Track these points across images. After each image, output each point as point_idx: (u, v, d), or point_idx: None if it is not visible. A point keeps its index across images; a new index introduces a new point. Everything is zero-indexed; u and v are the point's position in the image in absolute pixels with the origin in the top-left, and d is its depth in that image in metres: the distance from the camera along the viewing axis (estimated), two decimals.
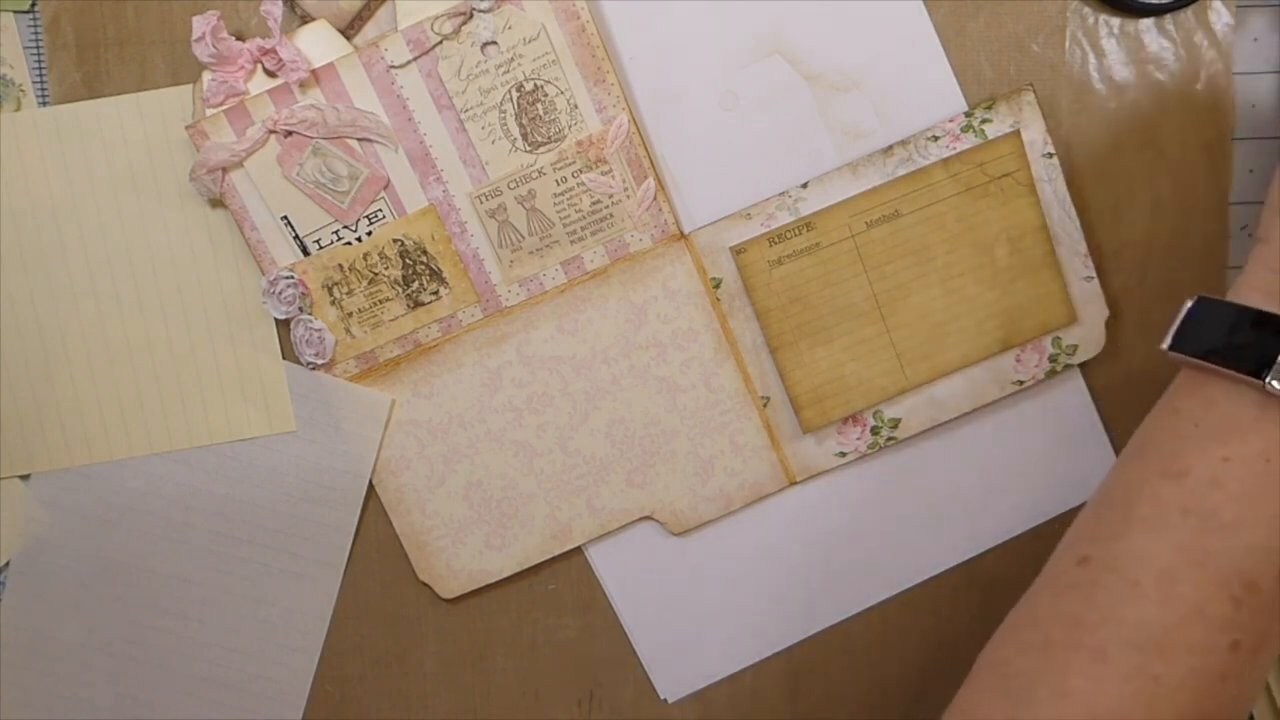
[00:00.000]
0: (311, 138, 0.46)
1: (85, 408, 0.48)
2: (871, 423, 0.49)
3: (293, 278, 0.47)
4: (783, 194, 0.48)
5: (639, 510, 0.50)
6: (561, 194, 0.47)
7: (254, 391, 0.49)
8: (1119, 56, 0.48)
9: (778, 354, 0.48)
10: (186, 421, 0.49)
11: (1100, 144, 0.49)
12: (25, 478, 0.49)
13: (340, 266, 0.47)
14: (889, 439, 0.50)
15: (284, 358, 0.49)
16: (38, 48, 0.47)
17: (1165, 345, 0.38)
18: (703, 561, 0.51)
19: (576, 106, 0.46)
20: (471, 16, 0.45)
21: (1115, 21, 0.48)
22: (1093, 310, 0.49)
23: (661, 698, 0.52)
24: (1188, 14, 0.48)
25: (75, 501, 0.49)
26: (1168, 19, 0.48)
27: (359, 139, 0.46)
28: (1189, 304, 0.38)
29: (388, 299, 0.48)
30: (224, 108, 0.45)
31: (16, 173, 0.47)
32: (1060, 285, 0.48)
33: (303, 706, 0.51)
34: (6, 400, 0.48)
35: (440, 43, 0.45)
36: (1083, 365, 0.50)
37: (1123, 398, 0.50)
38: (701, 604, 0.51)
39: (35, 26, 0.47)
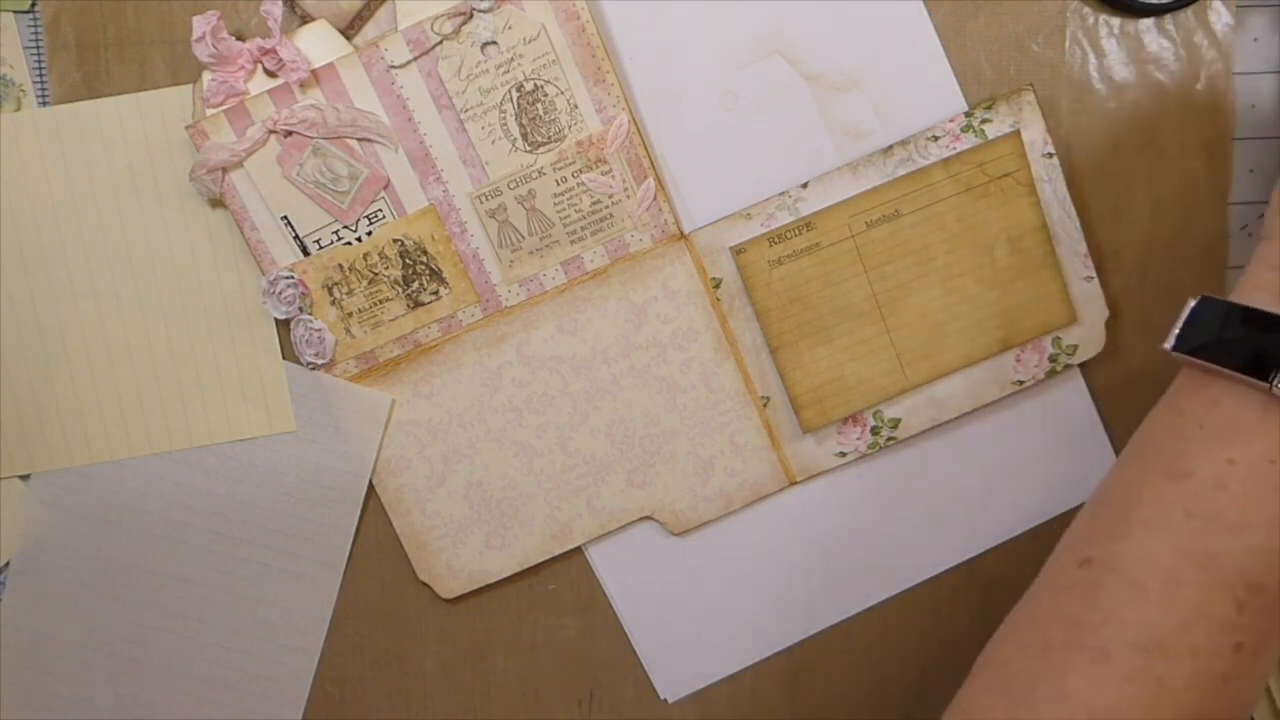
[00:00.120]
0: (311, 138, 0.46)
1: (85, 408, 0.48)
2: (871, 423, 0.49)
3: (293, 278, 0.47)
4: (783, 194, 0.48)
5: (639, 510, 0.50)
6: (561, 194, 0.47)
7: (254, 391, 0.49)
8: (1119, 56, 0.48)
9: (778, 354, 0.48)
10: (186, 421, 0.49)
11: (1100, 144, 0.49)
12: (25, 478, 0.49)
13: (340, 266, 0.47)
14: (889, 439, 0.50)
15: (284, 358, 0.49)
16: (38, 48, 0.47)
17: (1168, 345, 0.38)
18: (703, 561, 0.51)
19: (576, 106, 0.46)
20: (471, 16, 0.45)
21: (1115, 21, 0.48)
22: (1093, 310, 0.49)
23: (661, 698, 0.52)
24: (1188, 14, 0.48)
25: (75, 501, 0.49)
26: (1168, 19, 0.48)
27: (359, 139, 0.46)
28: (1192, 303, 0.38)
29: (388, 299, 0.48)
30: (224, 108, 0.45)
31: (16, 173, 0.47)
32: (1060, 285, 0.48)
33: (303, 706, 0.51)
34: (6, 400, 0.48)
35: (440, 43, 0.45)
36: (1083, 365, 0.50)
37: (1123, 398, 0.50)
38: (701, 604, 0.51)
39: (35, 26, 0.47)
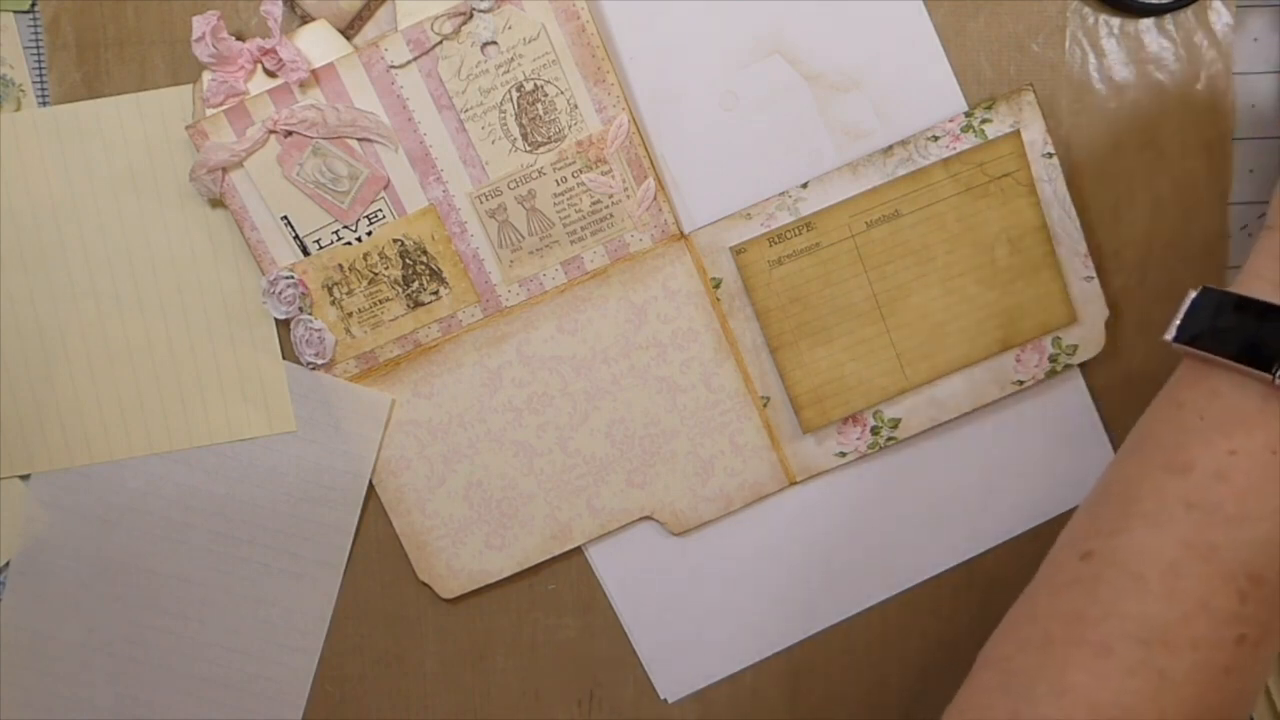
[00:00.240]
0: (311, 138, 0.46)
1: (85, 408, 0.48)
2: (871, 423, 0.49)
3: (293, 278, 0.47)
4: (783, 194, 0.48)
5: (639, 510, 0.50)
6: (561, 194, 0.47)
7: (254, 391, 0.49)
8: (1119, 56, 0.48)
9: (778, 354, 0.48)
10: (186, 421, 0.49)
11: (1100, 144, 0.49)
12: (25, 478, 0.49)
13: (340, 266, 0.47)
14: (889, 439, 0.50)
15: (284, 358, 0.49)
16: (38, 48, 0.47)
17: (1169, 336, 0.37)
18: (703, 561, 0.51)
19: (576, 106, 0.46)
20: (471, 16, 0.45)
21: (1115, 21, 0.48)
22: (1093, 310, 0.49)
23: (661, 698, 0.52)
24: (1188, 14, 0.48)
25: (75, 501, 0.49)
26: (1168, 19, 0.48)
27: (359, 139, 0.46)
28: (1193, 294, 0.37)
29: (388, 299, 0.48)
30: (224, 108, 0.45)
31: (16, 173, 0.47)
32: (1060, 285, 0.48)
33: (303, 706, 0.51)
34: (6, 400, 0.48)
35: (440, 43, 0.45)
36: (1083, 365, 0.50)
37: (1123, 398, 0.50)
38: (701, 604, 0.51)
39: (35, 26, 0.47)
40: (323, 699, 0.51)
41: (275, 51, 0.45)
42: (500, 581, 0.50)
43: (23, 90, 0.47)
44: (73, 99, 0.47)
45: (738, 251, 0.48)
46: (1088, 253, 0.48)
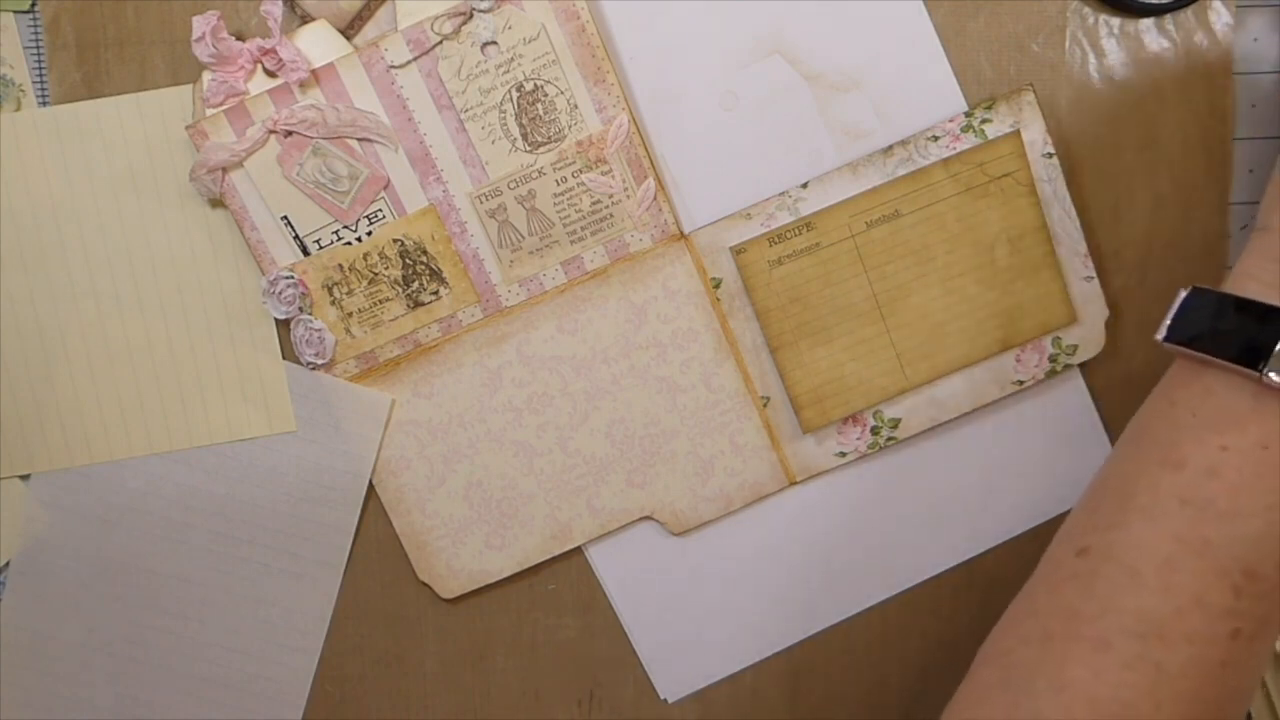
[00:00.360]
0: (311, 138, 0.46)
1: (85, 408, 0.48)
2: (871, 423, 0.49)
3: (293, 278, 0.47)
4: (783, 194, 0.48)
5: (639, 510, 0.50)
6: (561, 194, 0.47)
7: (254, 391, 0.49)
8: (1119, 56, 0.48)
9: (778, 354, 0.48)
10: (186, 421, 0.49)
11: (1100, 144, 0.49)
12: (25, 478, 0.49)
13: (340, 266, 0.47)
14: (889, 439, 0.50)
15: (284, 358, 0.49)
16: (38, 48, 0.47)
17: (1159, 336, 0.38)
18: (703, 561, 0.51)
19: (576, 106, 0.46)
20: (471, 16, 0.45)
21: (1115, 21, 0.48)
22: (1093, 310, 0.49)
23: (661, 698, 0.52)
24: (1188, 14, 0.48)
25: (75, 501, 0.49)
26: (1168, 19, 0.48)
27: (359, 139, 0.46)
28: (1183, 294, 0.38)
29: (388, 299, 0.48)
30: (224, 108, 0.45)
31: (16, 173, 0.47)
32: (1060, 285, 0.48)
33: (303, 706, 0.51)
34: (6, 400, 0.48)
35: (440, 43, 0.45)
36: (1083, 365, 0.50)
37: (1123, 398, 0.50)
38: (701, 604, 0.51)
39: (35, 26, 0.47)
40: (323, 699, 0.51)
41: (275, 51, 0.45)
42: (500, 581, 0.50)
43: (23, 90, 0.47)
44: (73, 99, 0.47)
45: (738, 251, 0.48)
46: (1088, 253, 0.48)
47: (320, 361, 0.48)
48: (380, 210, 0.47)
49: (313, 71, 0.45)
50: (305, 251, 0.47)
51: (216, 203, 0.47)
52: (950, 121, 0.47)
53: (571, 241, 0.48)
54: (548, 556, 0.50)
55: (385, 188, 0.47)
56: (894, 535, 0.51)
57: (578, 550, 0.51)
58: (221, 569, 0.50)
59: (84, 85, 0.47)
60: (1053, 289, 0.48)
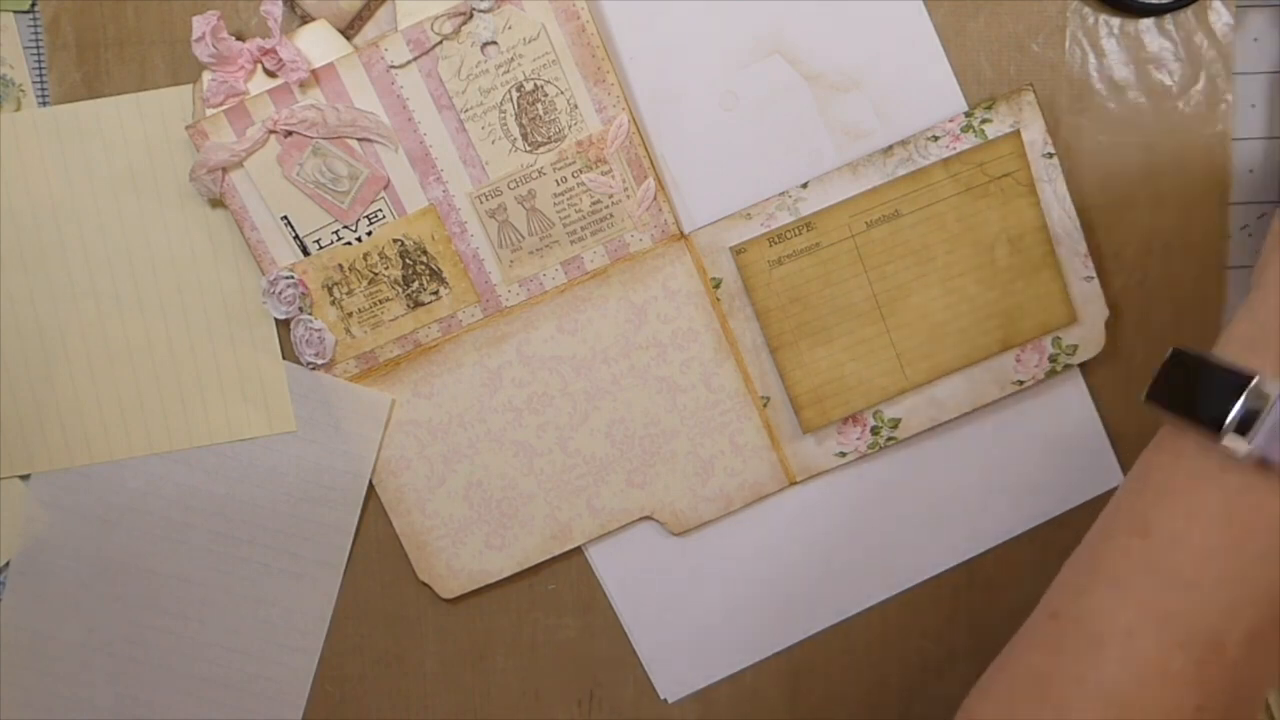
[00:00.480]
0: (311, 138, 0.46)
1: (85, 408, 0.48)
2: (871, 423, 0.49)
3: (293, 278, 0.47)
4: (783, 194, 0.48)
5: (639, 510, 0.50)
6: (561, 194, 0.47)
7: (254, 391, 0.49)
8: (1119, 56, 0.48)
9: (778, 354, 0.48)
10: (186, 421, 0.49)
11: (1100, 144, 0.49)
12: (25, 478, 0.49)
13: (340, 266, 0.47)
14: (889, 439, 0.50)
15: (284, 358, 0.49)
16: (38, 48, 0.47)
17: (1142, 396, 0.37)
18: (703, 561, 0.51)
19: (576, 106, 0.46)
20: (471, 16, 0.45)
21: (1115, 21, 0.48)
22: (1093, 310, 0.49)
23: (661, 698, 0.52)
24: (1188, 14, 0.48)
25: (75, 501, 0.49)
26: (1168, 19, 0.48)
27: (359, 139, 0.46)
28: (1167, 355, 0.37)
29: (388, 299, 0.48)
30: (224, 108, 0.45)
31: (16, 173, 0.47)
32: (1060, 285, 0.48)
33: (303, 706, 0.51)
34: (6, 400, 0.48)
35: (440, 43, 0.45)
36: (1083, 365, 0.50)
37: (1123, 398, 0.50)
38: (701, 604, 0.51)
39: (35, 26, 0.47)
40: (323, 699, 0.51)
41: (275, 51, 0.45)
42: (500, 581, 0.50)
43: (23, 90, 0.47)
44: (73, 99, 0.47)
45: (738, 251, 0.48)
46: (1088, 253, 0.48)
47: (320, 361, 0.48)
48: (380, 210, 0.47)
49: (313, 71, 0.45)
50: (305, 251, 0.47)
51: (216, 203, 0.47)
52: (950, 121, 0.47)
53: (571, 241, 0.48)
54: (548, 556, 0.50)
55: (385, 188, 0.47)
56: (894, 535, 0.51)
57: (578, 550, 0.51)
58: (221, 569, 0.50)
59: (84, 85, 0.47)
60: (1053, 289, 0.48)
